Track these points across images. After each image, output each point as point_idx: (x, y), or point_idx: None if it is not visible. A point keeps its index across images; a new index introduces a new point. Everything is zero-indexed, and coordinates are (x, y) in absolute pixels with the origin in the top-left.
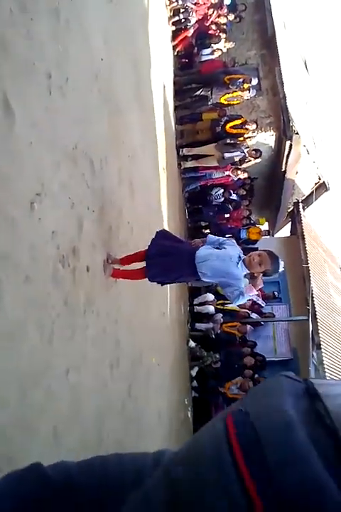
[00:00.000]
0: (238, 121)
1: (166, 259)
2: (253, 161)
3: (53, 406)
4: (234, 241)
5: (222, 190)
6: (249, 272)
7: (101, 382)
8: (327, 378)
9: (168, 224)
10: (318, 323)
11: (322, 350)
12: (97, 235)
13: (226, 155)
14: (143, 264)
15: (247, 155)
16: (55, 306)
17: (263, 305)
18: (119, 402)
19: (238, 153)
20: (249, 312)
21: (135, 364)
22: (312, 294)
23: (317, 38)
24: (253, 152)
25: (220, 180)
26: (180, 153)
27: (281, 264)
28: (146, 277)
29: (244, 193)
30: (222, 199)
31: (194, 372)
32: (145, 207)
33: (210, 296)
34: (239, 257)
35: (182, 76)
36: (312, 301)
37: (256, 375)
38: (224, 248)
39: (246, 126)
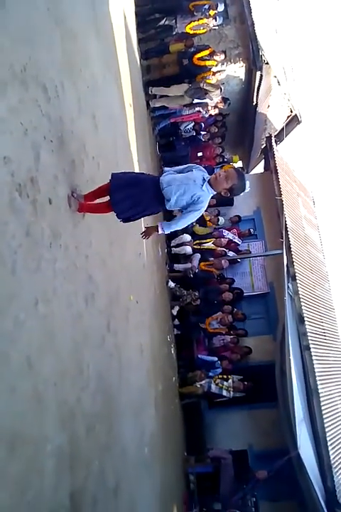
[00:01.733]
0: (206, 52)
1: (131, 190)
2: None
3: (24, 336)
4: (200, 166)
5: (193, 123)
6: (215, 192)
7: (75, 315)
8: (302, 308)
9: (138, 164)
10: (293, 256)
11: (297, 281)
12: (58, 168)
13: (196, 101)
14: (107, 198)
15: (216, 104)
16: (15, 237)
17: (239, 243)
18: (98, 335)
19: (207, 101)
20: (226, 250)
21: (112, 301)
22: (286, 227)
23: None
24: (222, 102)
25: (191, 117)
26: (149, 92)
27: (247, 183)
28: (112, 210)
29: (216, 130)
30: (193, 133)
31: (175, 312)
32: (112, 142)
33: (187, 237)
34: (204, 178)
35: (144, 5)
36: (287, 234)
37: (235, 309)
38: (190, 171)
39: (214, 57)
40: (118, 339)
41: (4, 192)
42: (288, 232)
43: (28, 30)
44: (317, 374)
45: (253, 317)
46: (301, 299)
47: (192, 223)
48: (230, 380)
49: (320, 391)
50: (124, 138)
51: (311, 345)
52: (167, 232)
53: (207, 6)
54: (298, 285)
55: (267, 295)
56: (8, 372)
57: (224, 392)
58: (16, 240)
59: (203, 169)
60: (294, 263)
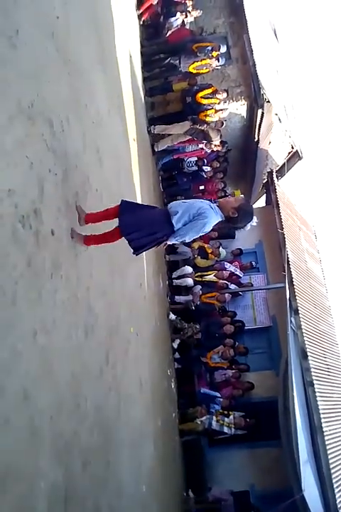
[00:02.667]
0: (208, 91)
1: (141, 213)
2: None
3: (21, 367)
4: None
5: (195, 159)
6: (222, 214)
7: (74, 346)
8: (305, 343)
9: (141, 196)
10: (295, 289)
11: (300, 315)
12: (62, 200)
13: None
14: (113, 225)
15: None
16: (16, 267)
17: (241, 275)
18: (97, 368)
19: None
20: (228, 283)
21: (112, 333)
22: (288, 260)
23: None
24: (220, 145)
25: (194, 154)
26: (151, 131)
27: (255, 217)
28: (121, 235)
29: (218, 165)
30: (195, 168)
31: (175, 345)
32: (115, 176)
33: (188, 269)
34: (210, 205)
35: (150, 46)
36: (289, 267)
37: (237, 343)
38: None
39: (217, 96)
40: (117, 372)
41: (7, 223)
42: (290, 266)
43: (37, 68)
44: (321, 411)
45: (256, 351)
46: (304, 334)
47: (193, 255)
48: (231, 416)
49: (324, 429)
50: (127, 171)
51: (315, 382)
52: (173, 241)
53: (209, 48)
54: (301, 319)
55: (269, 329)
56: (3, 404)
57: (225, 429)
58: (17, 271)
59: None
60: (296, 297)
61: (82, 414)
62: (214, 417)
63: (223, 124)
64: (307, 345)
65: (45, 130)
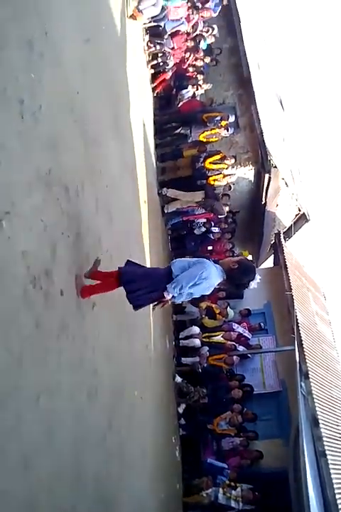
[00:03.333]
0: (217, 157)
1: (143, 268)
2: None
3: (23, 432)
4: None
5: (204, 221)
6: (223, 270)
7: (77, 411)
8: (317, 409)
9: (150, 257)
10: (305, 353)
11: (310, 379)
12: (73, 261)
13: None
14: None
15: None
16: (24, 327)
17: (249, 337)
18: (99, 434)
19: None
20: (236, 344)
21: (116, 396)
22: (297, 322)
23: (292, 78)
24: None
25: (203, 216)
26: (163, 192)
27: (257, 276)
28: (120, 283)
29: (226, 226)
30: (204, 229)
31: (181, 410)
32: (125, 238)
33: (196, 329)
34: (212, 264)
35: (162, 115)
36: (298, 330)
37: (245, 409)
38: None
39: (225, 161)
40: (119, 438)
41: (19, 284)
42: (300, 328)
43: (56, 139)
44: (335, 485)
45: (264, 418)
46: (315, 400)
47: (201, 315)
48: (239, 489)
49: (340, 506)
50: (137, 232)
51: (327, 452)
52: (173, 293)
53: (219, 118)
54: (312, 384)
55: (279, 394)
56: (3, 471)
57: (233, 503)
58: (26, 330)
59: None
60: (306, 360)
61: (82, 486)
62: (220, 489)
63: (231, 188)
64: (318, 412)
65: (61, 195)
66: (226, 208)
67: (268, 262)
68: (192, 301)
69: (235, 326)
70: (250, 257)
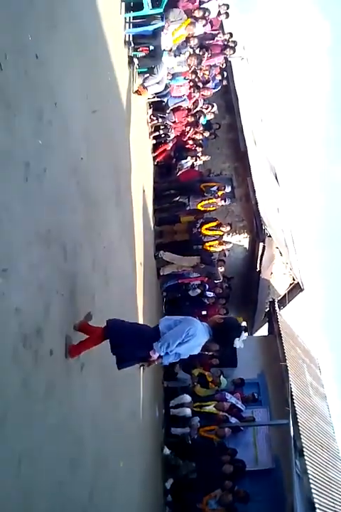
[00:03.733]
0: (213, 224)
1: (130, 325)
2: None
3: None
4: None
5: (198, 283)
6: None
7: (58, 480)
8: (312, 491)
9: (143, 319)
10: (299, 428)
11: (306, 457)
12: (65, 320)
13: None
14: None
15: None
16: (11, 387)
17: (242, 408)
18: (78, 507)
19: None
20: (228, 416)
21: (99, 466)
22: (291, 394)
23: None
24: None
25: (198, 279)
26: (159, 255)
27: (244, 334)
28: (106, 337)
29: (221, 291)
30: (198, 291)
31: (168, 485)
32: (120, 297)
33: (187, 398)
34: (199, 322)
35: (162, 183)
36: (292, 402)
37: (236, 487)
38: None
39: (221, 228)
40: None
41: (9, 342)
42: (294, 401)
43: (58, 199)
44: None
45: (257, 499)
46: (311, 481)
47: (193, 382)
48: None
49: None
50: (132, 293)
51: None
52: (160, 352)
53: (216, 188)
54: (307, 463)
55: (272, 471)
56: None
57: None
58: (12, 390)
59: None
60: (301, 436)
61: None
62: None
63: (226, 254)
64: (314, 495)
65: (58, 254)
66: (221, 271)
67: (263, 330)
68: (184, 367)
69: (228, 396)
70: (244, 324)
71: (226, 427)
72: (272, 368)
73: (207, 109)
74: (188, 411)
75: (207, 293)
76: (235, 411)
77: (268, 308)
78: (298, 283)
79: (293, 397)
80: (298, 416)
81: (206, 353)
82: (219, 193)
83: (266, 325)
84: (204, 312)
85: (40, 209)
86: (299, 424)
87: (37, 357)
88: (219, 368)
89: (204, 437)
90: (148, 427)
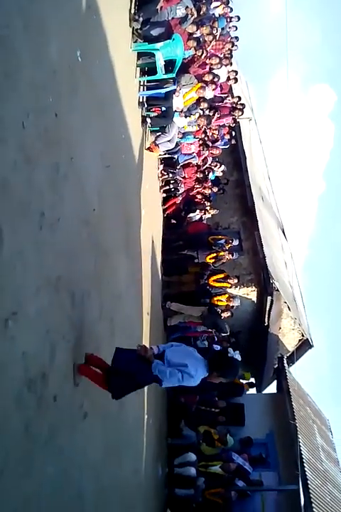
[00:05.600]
0: (221, 275)
1: (130, 375)
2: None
3: None
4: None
5: (207, 335)
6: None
7: None
8: None
9: None
10: (311, 495)
11: None
12: (70, 366)
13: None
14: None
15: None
16: (14, 431)
17: (250, 471)
18: None
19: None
20: (235, 478)
21: None
22: (301, 458)
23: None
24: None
25: (205, 333)
26: (166, 306)
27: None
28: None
29: (228, 345)
30: (206, 343)
31: None
32: (125, 346)
33: (192, 457)
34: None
35: (171, 235)
36: (303, 466)
37: None
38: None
39: (228, 280)
40: None
41: (14, 386)
42: (305, 464)
43: (69, 248)
44: None
45: None
46: None
47: (198, 440)
48: None
49: None
50: (138, 342)
51: None
52: (156, 372)
53: (223, 241)
54: None
55: None
56: None
57: None
58: (14, 435)
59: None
60: (313, 505)
61: None
62: None
63: (234, 307)
64: None
65: (67, 301)
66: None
67: (272, 387)
68: (189, 424)
69: (235, 456)
70: (252, 380)
71: (232, 490)
72: (281, 427)
73: (215, 166)
74: (193, 470)
75: (214, 346)
76: (242, 473)
77: (276, 365)
78: (307, 339)
79: (303, 461)
80: (308, 482)
81: (212, 410)
82: (227, 246)
83: (275, 382)
84: None
85: (52, 256)
86: (310, 490)
87: (41, 402)
88: (226, 426)
89: (209, 500)
90: (151, 486)
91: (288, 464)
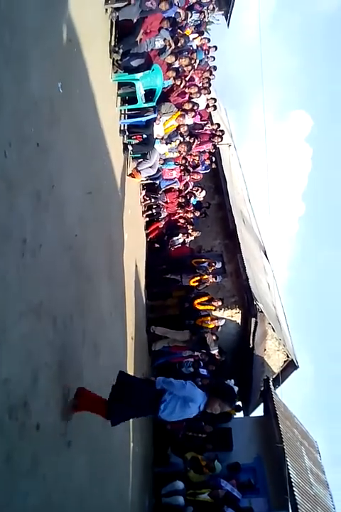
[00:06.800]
0: (205, 298)
1: (129, 405)
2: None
3: None
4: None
5: (192, 360)
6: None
7: None
8: None
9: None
10: None
11: None
12: (52, 394)
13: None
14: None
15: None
16: None
17: (239, 497)
18: None
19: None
20: (224, 506)
21: None
22: (290, 481)
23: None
24: (219, 355)
25: (191, 357)
26: (151, 330)
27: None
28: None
29: (214, 368)
30: (192, 370)
31: None
32: (109, 371)
33: (180, 485)
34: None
35: (154, 259)
36: (292, 490)
37: None
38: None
39: (213, 303)
40: None
41: None
42: (294, 488)
43: (51, 274)
44: None
45: None
46: None
47: (186, 467)
48: None
49: None
50: (122, 367)
51: None
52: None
53: (206, 264)
54: None
55: None
56: None
57: None
58: None
59: (200, 395)
60: None
61: None
62: None
63: (218, 329)
64: None
65: (49, 326)
66: (216, 351)
67: (259, 410)
68: (176, 450)
69: (223, 482)
70: (239, 403)
71: None
72: (269, 451)
73: (197, 191)
74: (181, 499)
75: (201, 370)
76: (231, 500)
77: (263, 387)
78: (292, 360)
79: (292, 484)
80: (298, 506)
81: (200, 435)
82: (210, 269)
83: (262, 405)
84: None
85: (34, 283)
86: None
87: (23, 430)
88: (214, 452)
89: None
90: None
91: (278, 489)
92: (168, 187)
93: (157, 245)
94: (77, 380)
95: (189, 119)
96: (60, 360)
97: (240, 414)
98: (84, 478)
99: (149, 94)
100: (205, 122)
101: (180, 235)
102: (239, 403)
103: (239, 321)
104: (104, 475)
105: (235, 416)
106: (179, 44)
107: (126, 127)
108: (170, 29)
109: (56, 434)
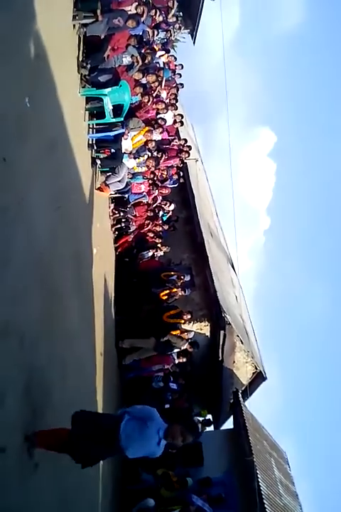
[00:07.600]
0: (174, 311)
1: (91, 440)
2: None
3: None
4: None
5: (162, 374)
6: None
7: None
8: None
9: (103, 409)
10: None
11: None
12: (19, 416)
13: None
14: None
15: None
16: None
17: None
18: None
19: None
20: None
21: None
22: (260, 492)
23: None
24: (191, 347)
25: (160, 371)
26: (120, 345)
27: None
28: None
29: (184, 382)
30: (162, 384)
31: None
32: (78, 390)
33: (151, 502)
34: (159, 431)
35: (123, 273)
36: (262, 502)
37: None
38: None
39: (182, 316)
40: None
41: None
42: (264, 500)
43: (17, 292)
44: None
45: None
46: None
47: (157, 484)
48: None
49: None
50: (91, 385)
51: None
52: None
53: (175, 277)
54: None
55: None
56: None
57: None
58: None
59: (159, 418)
60: None
61: None
62: None
63: (189, 340)
64: None
65: (15, 346)
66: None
67: (229, 423)
68: (146, 467)
69: (194, 498)
70: (209, 417)
71: None
72: (239, 463)
73: (165, 205)
74: None
75: (171, 385)
76: None
77: (232, 400)
78: (261, 372)
79: (262, 496)
80: None
81: (170, 451)
82: (179, 282)
83: (232, 418)
84: (167, 406)
85: (0, 300)
86: None
87: None
88: (185, 468)
89: None
90: None
91: (248, 501)
92: (136, 201)
93: (126, 259)
94: (43, 401)
95: (157, 135)
96: (26, 381)
97: (210, 428)
98: (52, 502)
99: (117, 109)
100: (173, 137)
101: (150, 250)
102: (209, 417)
103: (207, 333)
104: (73, 497)
105: (206, 430)
106: (146, 61)
107: (94, 141)
108: (137, 46)
109: (22, 456)
